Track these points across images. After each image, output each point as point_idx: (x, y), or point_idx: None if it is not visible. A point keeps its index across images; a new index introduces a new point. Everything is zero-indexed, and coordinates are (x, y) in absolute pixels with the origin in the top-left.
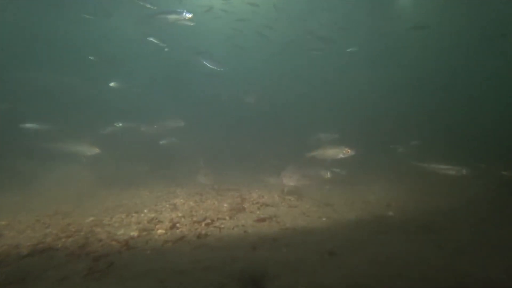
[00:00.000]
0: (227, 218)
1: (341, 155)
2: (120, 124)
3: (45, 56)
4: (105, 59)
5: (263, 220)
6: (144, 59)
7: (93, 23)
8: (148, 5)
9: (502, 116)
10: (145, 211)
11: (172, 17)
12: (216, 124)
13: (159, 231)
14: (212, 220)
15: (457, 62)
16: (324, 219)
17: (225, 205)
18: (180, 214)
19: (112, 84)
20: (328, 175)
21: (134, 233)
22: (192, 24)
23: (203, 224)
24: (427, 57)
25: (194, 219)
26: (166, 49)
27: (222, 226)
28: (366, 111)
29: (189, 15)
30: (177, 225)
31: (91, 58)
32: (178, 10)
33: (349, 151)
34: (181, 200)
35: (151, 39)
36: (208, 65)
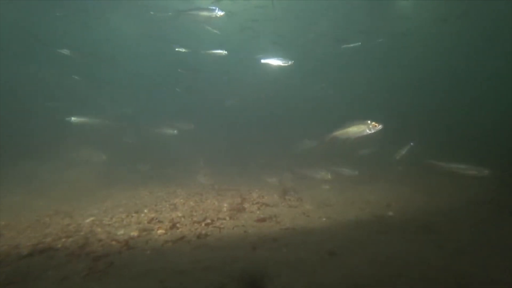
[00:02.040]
0: (227, 218)
1: (367, 131)
2: (74, 119)
3: (45, 56)
4: (105, 59)
5: (263, 220)
6: (144, 59)
7: (93, 23)
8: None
9: (503, 116)
10: (145, 211)
11: (204, 14)
12: (217, 124)
13: (159, 231)
14: (212, 220)
15: (458, 62)
16: (324, 219)
17: (225, 205)
18: (180, 214)
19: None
20: (329, 175)
21: (134, 233)
22: (218, 32)
23: (203, 224)
24: (427, 57)
25: (194, 219)
26: (185, 50)
27: (222, 226)
28: (366, 111)
29: (221, 13)
30: (177, 225)
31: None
32: (210, 7)
33: (377, 125)
34: (181, 200)
35: (178, 49)
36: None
